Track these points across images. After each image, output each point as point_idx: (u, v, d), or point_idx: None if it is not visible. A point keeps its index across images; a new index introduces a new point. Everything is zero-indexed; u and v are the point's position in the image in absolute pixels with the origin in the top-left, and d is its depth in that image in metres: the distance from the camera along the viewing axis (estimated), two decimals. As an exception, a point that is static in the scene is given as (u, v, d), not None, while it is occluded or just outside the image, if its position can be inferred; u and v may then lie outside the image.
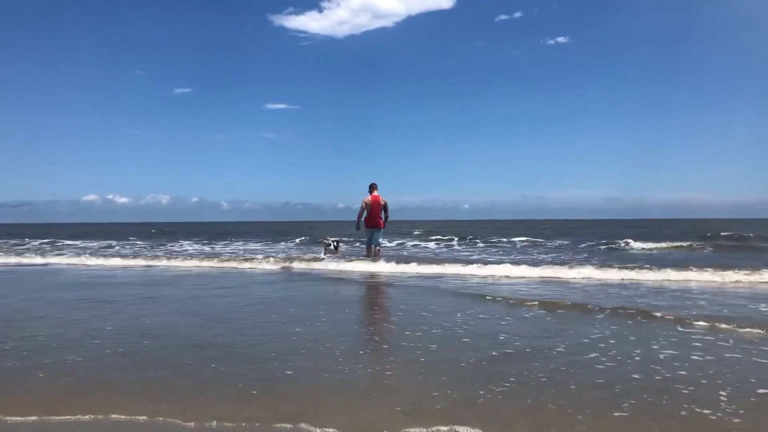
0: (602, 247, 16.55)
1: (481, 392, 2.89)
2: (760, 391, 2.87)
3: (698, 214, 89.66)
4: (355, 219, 11.46)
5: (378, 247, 11.65)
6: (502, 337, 4.22)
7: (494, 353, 3.73)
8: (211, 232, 36.08)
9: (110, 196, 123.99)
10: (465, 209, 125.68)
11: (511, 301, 6.03)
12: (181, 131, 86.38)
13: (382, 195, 11.29)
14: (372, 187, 11.28)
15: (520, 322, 4.91)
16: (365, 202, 11.18)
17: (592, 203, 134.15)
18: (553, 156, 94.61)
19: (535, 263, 9.93)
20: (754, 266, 8.54)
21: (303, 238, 23.45)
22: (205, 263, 12.43)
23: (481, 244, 19.16)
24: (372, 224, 11.36)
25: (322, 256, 12.52)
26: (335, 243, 13.12)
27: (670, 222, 53.52)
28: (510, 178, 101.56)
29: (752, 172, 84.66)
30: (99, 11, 68.27)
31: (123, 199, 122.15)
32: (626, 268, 8.90)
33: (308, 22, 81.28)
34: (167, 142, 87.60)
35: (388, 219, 11.46)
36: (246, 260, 12.51)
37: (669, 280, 7.93)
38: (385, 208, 11.29)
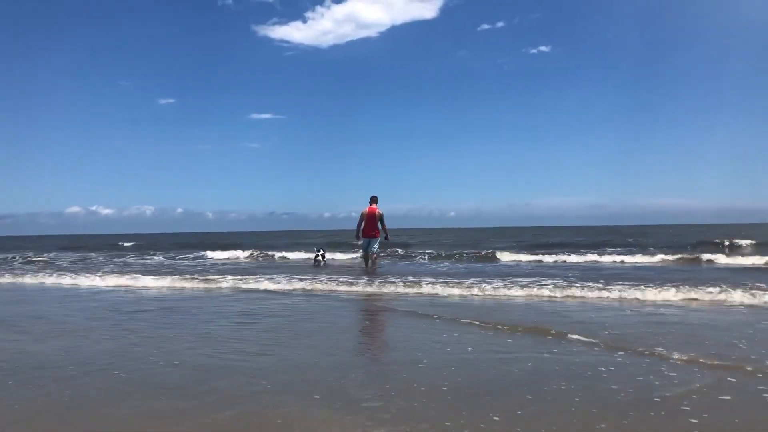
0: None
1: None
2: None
3: (683, 220, 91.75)
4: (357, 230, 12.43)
5: (375, 255, 12.53)
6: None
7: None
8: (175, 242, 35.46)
9: (93, 208, 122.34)
10: (451, 217, 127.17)
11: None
12: (166, 142, 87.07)
13: (378, 207, 12.29)
14: (372, 200, 12.35)
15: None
16: (362, 214, 12.29)
17: (577, 210, 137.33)
18: (537, 163, 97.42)
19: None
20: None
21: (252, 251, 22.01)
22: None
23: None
24: (367, 234, 12.32)
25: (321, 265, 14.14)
26: (321, 254, 14.86)
27: (644, 229, 54.69)
28: (495, 185, 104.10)
29: (737, 178, 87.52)
30: (82, 22, 69.06)
31: (107, 211, 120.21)
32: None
33: (292, 33, 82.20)
34: (151, 152, 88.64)
35: (387, 229, 12.41)
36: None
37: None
38: (381, 219, 12.27)
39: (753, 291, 7.21)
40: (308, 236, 45.35)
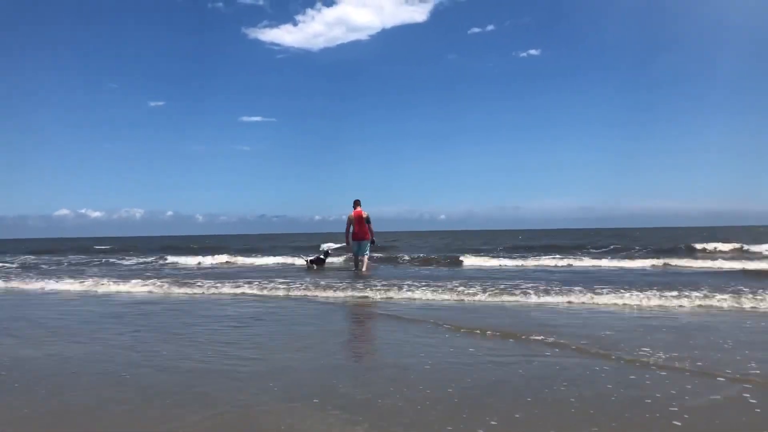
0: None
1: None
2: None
3: (673, 223, 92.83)
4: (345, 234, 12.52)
5: (365, 257, 12.52)
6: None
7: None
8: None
9: (83, 211, 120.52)
10: (441, 220, 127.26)
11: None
12: (156, 144, 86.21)
13: (363, 209, 12.34)
14: (355, 203, 12.37)
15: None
16: (349, 218, 12.29)
17: (568, 213, 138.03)
18: (527, 167, 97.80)
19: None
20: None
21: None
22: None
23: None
24: (357, 237, 12.35)
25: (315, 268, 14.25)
26: (316, 257, 14.81)
27: (634, 231, 54.99)
28: (486, 188, 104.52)
29: (726, 181, 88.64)
30: (72, 24, 68.26)
31: (96, 214, 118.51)
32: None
33: (283, 35, 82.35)
34: (141, 155, 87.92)
35: (373, 230, 12.45)
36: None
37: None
38: (367, 220, 12.30)
39: (736, 294, 7.39)
40: (297, 239, 45.13)
